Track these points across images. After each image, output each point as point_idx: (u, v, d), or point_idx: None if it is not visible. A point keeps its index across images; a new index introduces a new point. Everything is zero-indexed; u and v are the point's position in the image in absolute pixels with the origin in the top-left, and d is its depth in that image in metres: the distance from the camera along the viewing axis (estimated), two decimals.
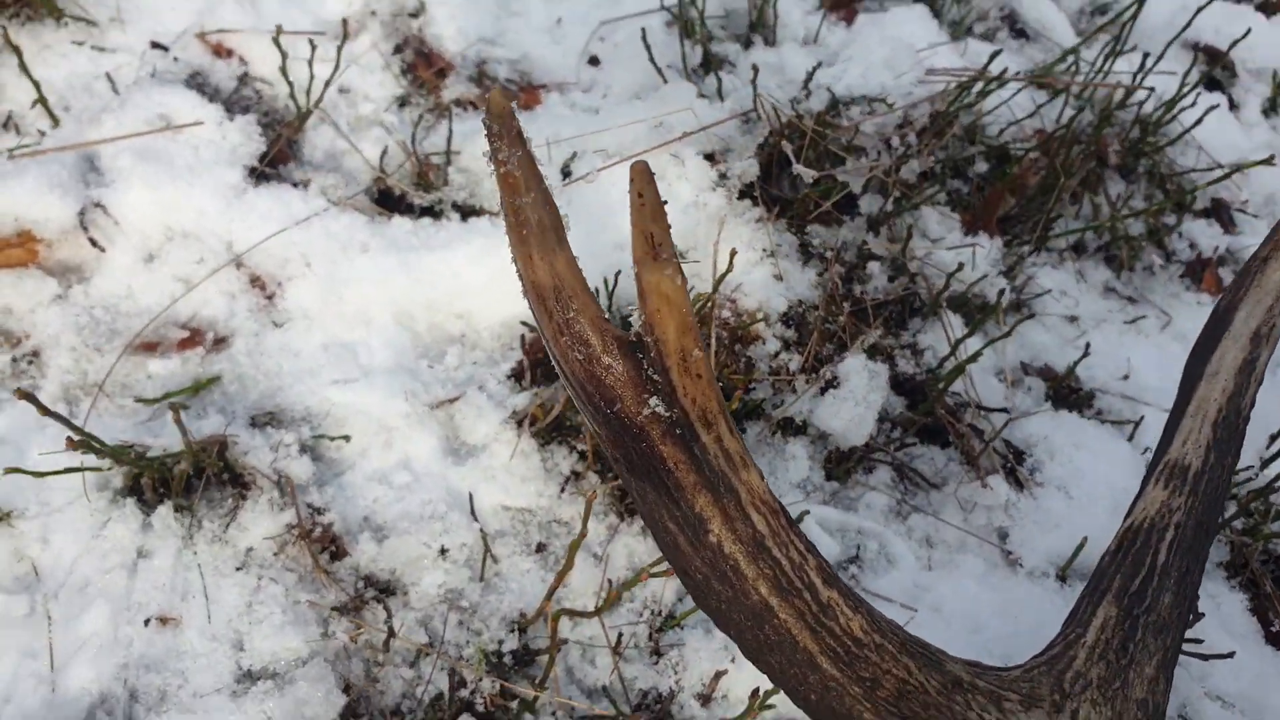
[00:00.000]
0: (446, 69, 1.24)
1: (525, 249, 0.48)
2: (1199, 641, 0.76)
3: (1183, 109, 1.17)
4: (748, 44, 1.26)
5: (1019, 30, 1.38)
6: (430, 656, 0.72)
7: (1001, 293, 0.98)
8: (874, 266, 0.99)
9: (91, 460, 0.75)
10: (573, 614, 0.72)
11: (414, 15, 1.28)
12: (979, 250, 1.00)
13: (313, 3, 1.25)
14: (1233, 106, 1.42)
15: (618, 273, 0.90)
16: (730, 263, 0.80)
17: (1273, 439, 0.93)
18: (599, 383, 0.48)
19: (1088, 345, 0.97)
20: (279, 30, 1.00)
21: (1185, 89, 1.14)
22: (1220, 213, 1.24)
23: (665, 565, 0.65)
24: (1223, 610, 0.87)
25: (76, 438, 0.68)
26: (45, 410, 0.64)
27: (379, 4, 1.27)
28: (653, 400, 0.48)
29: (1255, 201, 1.27)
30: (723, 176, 1.03)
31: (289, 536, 0.75)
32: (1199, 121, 1.14)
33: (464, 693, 0.71)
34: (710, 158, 1.05)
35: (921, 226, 1.03)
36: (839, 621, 0.52)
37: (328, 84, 1.10)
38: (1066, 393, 0.97)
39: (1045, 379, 0.98)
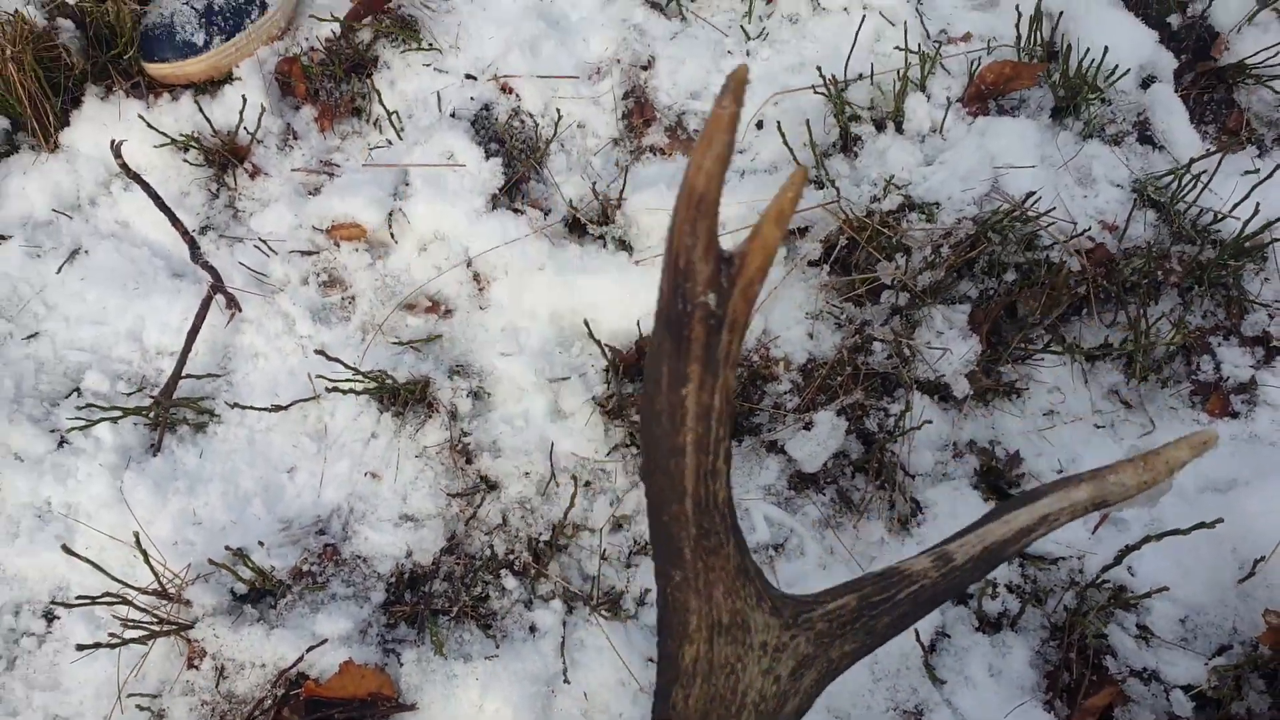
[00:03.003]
0: (651, 118, 1.71)
1: (700, 160, 0.62)
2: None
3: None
4: (881, 127, 1.60)
5: (1147, 137, 1.57)
6: (498, 530, 1.32)
7: (967, 388, 1.33)
8: (877, 345, 1.38)
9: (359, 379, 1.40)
10: (578, 528, 1.27)
11: (645, 68, 1.76)
12: (962, 349, 1.34)
13: (579, 49, 1.77)
14: None
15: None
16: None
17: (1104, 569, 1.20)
18: (689, 265, 0.64)
19: (1017, 453, 1.29)
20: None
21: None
22: (1264, 344, 1.42)
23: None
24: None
25: (360, 369, 1.33)
26: (330, 357, 1.29)
27: (624, 53, 1.76)
28: (711, 295, 0.65)
29: None
30: (790, 250, 1.45)
31: (446, 446, 1.37)
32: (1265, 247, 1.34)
33: (510, 557, 1.30)
34: (790, 233, 1.47)
35: (930, 321, 1.38)
36: (716, 484, 0.72)
37: (556, 126, 1.64)
38: (991, 473, 1.32)
39: (979, 457, 1.33)
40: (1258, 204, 1.38)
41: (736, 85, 0.61)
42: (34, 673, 1.21)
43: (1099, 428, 1.36)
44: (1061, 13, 1.61)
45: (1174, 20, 1.66)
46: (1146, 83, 1.59)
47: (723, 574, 0.76)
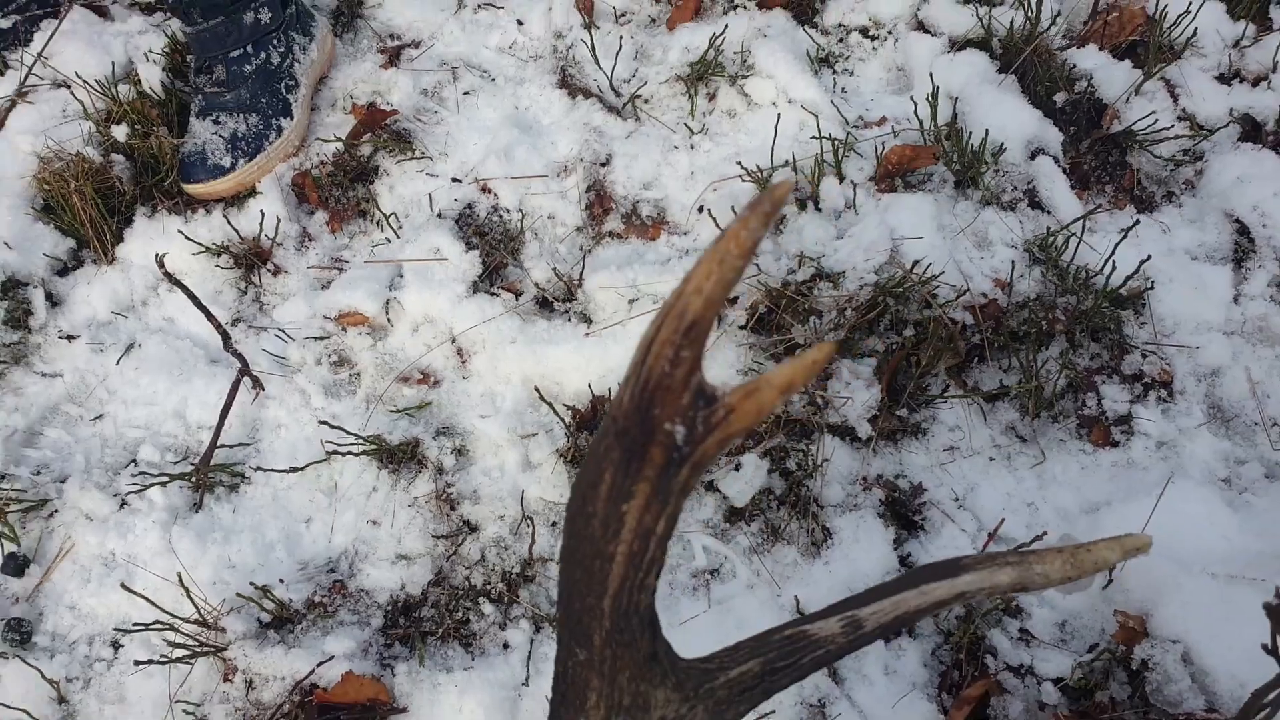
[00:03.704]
0: (609, 208, 2.00)
1: (700, 282, 0.57)
2: None
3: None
4: (803, 207, 1.87)
5: (1036, 202, 1.82)
6: (477, 565, 1.58)
7: (873, 428, 1.57)
8: (795, 396, 1.63)
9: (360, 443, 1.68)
10: (545, 561, 1.53)
11: (603, 164, 2.05)
12: (865, 397, 1.59)
13: (548, 150, 2.06)
14: (1239, 279, 1.73)
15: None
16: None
17: None
18: (661, 391, 0.60)
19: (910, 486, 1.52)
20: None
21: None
22: (1139, 380, 1.63)
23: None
24: None
25: (362, 435, 1.62)
26: (334, 426, 1.58)
27: (587, 152, 2.05)
28: (680, 428, 0.61)
29: (1187, 383, 1.63)
30: (721, 318, 1.71)
31: (434, 496, 1.64)
32: (1141, 294, 1.58)
33: (487, 587, 1.56)
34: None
35: (839, 374, 1.63)
36: (641, 595, 0.70)
37: (522, 221, 1.93)
38: (895, 503, 1.55)
39: (884, 489, 1.56)
40: (1140, 260, 1.60)
41: (773, 204, 0.54)
42: (104, 690, 1.49)
43: (992, 460, 1.58)
44: (956, 98, 1.88)
45: (1060, 98, 1.91)
46: (1035, 154, 1.83)
47: (631, 663, 0.75)
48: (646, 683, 0.77)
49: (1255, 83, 1.90)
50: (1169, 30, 1.95)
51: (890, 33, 2.12)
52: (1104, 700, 1.32)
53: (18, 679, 1.49)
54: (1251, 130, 1.85)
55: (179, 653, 1.43)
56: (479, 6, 2.33)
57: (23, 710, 1.43)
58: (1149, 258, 1.58)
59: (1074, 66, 1.95)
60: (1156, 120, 1.84)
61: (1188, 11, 1.92)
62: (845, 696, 1.37)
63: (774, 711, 1.36)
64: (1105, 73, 1.94)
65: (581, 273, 1.84)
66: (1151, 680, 1.27)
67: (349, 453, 1.64)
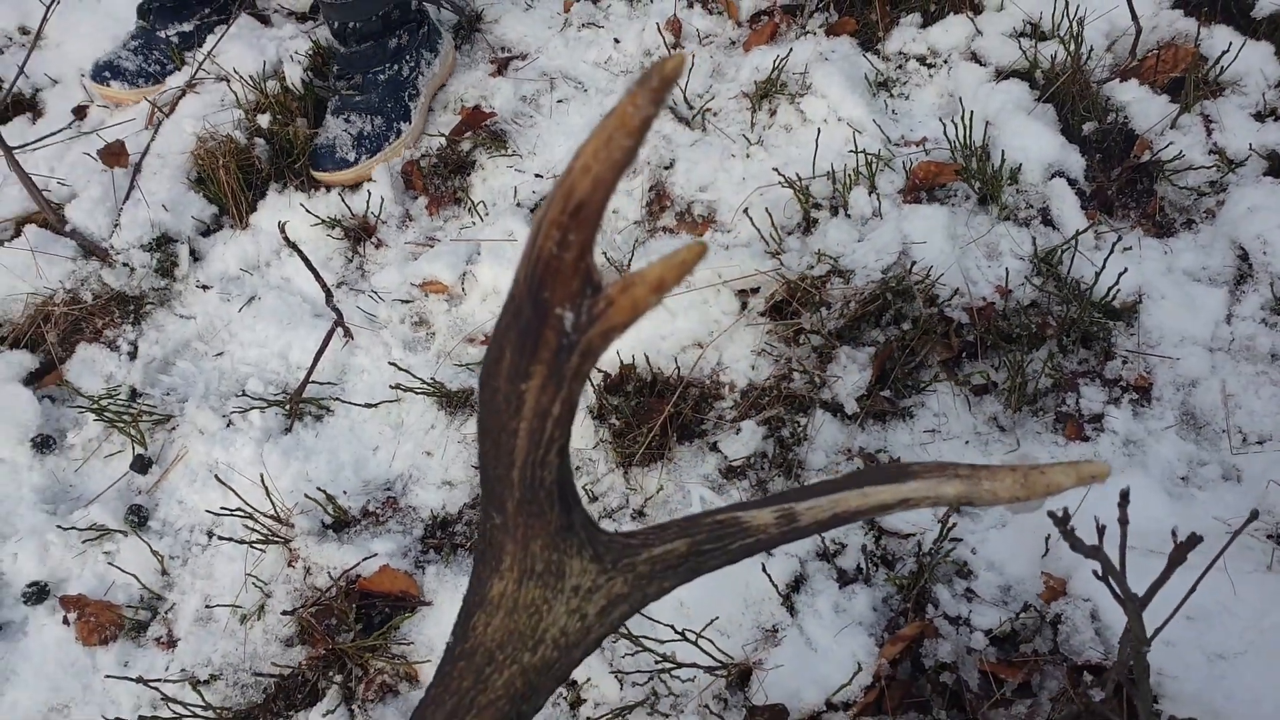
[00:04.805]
0: (667, 205, 2.27)
1: (589, 160, 0.57)
2: None
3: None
4: (835, 212, 2.09)
5: (1049, 220, 1.98)
6: None
7: (860, 405, 1.78)
8: (797, 375, 1.85)
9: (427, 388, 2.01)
10: None
11: (667, 167, 2.33)
12: (855, 379, 1.80)
13: None
14: (1234, 301, 1.85)
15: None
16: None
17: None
18: (550, 274, 0.61)
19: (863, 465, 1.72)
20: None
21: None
22: (1116, 384, 1.78)
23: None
24: None
25: (427, 380, 1.94)
26: (401, 368, 1.91)
27: (655, 156, 2.34)
28: (569, 314, 0.63)
29: (1165, 391, 1.76)
30: (743, 307, 1.96)
31: None
32: (1134, 307, 1.74)
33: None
34: (741, 293, 1.97)
35: (839, 358, 1.85)
36: (544, 472, 0.73)
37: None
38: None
39: (863, 459, 1.76)
40: (1119, 273, 1.77)
41: (661, 81, 0.53)
42: (197, 567, 1.85)
43: (968, 444, 1.77)
44: (988, 122, 2.07)
45: (1088, 127, 2.07)
46: (1053, 176, 2.01)
47: (543, 532, 0.77)
48: (559, 552, 0.78)
49: None
50: (1211, 68, 2.09)
51: (945, 61, 2.33)
52: (1028, 651, 1.49)
53: (133, 553, 1.86)
54: (1276, 166, 1.97)
55: (255, 538, 1.77)
56: (583, 25, 2.66)
57: (133, 574, 1.80)
58: (1125, 270, 1.74)
59: (1109, 99, 2.11)
60: (1182, 153, 1.99)
61: (1228, 50, 2.06)
62: (796, 626, 1.59)
63: (730, 636, 1.59)
64: (1142, 105, 2.09)
65: (630, 259, 2.12)
66: (1062, 632, 1.44)
67: (415, 393, 1.97)
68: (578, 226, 0.60)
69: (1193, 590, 1.12)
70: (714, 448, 1.84)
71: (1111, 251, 1.76)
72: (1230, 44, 2.03)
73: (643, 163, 2.30)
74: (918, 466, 0.79)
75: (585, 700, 1.59)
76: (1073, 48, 2.11)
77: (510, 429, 0.70)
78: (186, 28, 2.62)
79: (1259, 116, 2.06)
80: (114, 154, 2.35)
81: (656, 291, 0.62)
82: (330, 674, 1.64)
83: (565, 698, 1.60)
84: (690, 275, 0.64)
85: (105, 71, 2.50)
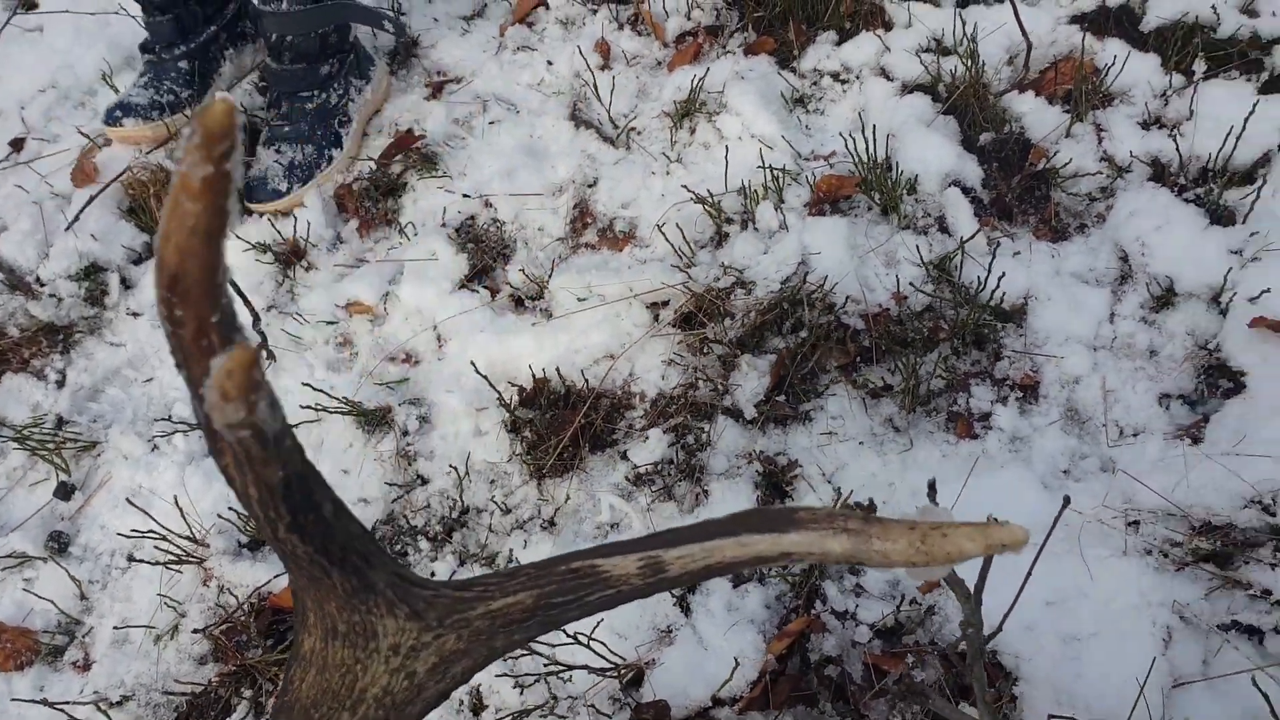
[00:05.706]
0: (589, 222, 2.35)
1: (165, 229, 0.53)
2: None
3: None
4: (744, 226, 2.17)
5: (945, 227, 2.07)
6: (422, 510, 1.93)
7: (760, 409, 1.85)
8: (702, 383, 1.93)
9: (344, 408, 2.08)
10: (479, 510, 1.87)
11: (591, 185, 2.41)
12: (755, 386, 1.87)
13: (549, 173, 2.45)
14: (1115, 300, 1.93)
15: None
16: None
17: None
18: (178, 351, 0.59)
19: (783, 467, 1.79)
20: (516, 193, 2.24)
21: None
22: (1004, 384, 1.86)
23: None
24: None
25: (342, 400, 2.01)
26: (319, 390, 1.98)
27: (579, 174, 2.43)
28: (207, 394, 0.56)
29: (1051, 389, 1.84)
30: (655, 319, 2.04)
31: (395, 453, 2.01)
32: (1023, 309, 1.83)
33: (427, 529, 1.91)
34: (653, 305, 2.05)
35: (740, 367, 1.92)
36: (296, 543, 0.66)
37: (514, 229, 2.31)
38: (770, 475, 1.82)
39: (762, 463, 1.84)
40: (998, 277, 1.86)
41: (205, 135, 0.48)
42: (116, 591, 1.91)
43: (863, 444, 1.84)
44: (891, 135, 2.16)
45: (985, 137, 2.16)
46: (949, 185, 2.10)
47: (332, 595, 0.72)
48: (361, 614, 0.73)
49: (1171, 129, 2.11)
50: (1103, 79, 2.18)
51: (857, 77, 2.42)
52: (910, 643, 1.56)
53: (52, 579, 1.92)
54: (1158, 172, 2.06)
55: (169, 559, 1.83)
56: (518, 49, 2.75)
57: (50, 600, 1.86)
58: (1004, 274, 1.82)
59: (1006, 110, 2.21)
60: (1072, 161, 2.08)
61: (1112, 64, 2.15)
62: (690, 625, 1.65)
63: (626, 637, 1.65)
64: (1038, 115, 2.19)
65: (550, 275, 2.20)
66: (934, 622, 1.51)
67: (332, 413, 2.04)
68: (182, 301, 0.56)
69: (1028, 577, 1.19)
70: (624, 456, 1.91)
71: (994, 256, 1.84)
72: (1114, 57, 2.12)
73: (568, 181, 2.38)
74: (804, 513, 0.71)
75: (487, 706, 1.65)
76: (970, 62, 2.20)
77: (243, 499, 0.65)
78: (193, 46, 2.52)
79: (1145, 125, 2.15)
80: (85, 174, 2.44)
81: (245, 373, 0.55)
82: (241, 689, 1.70)
83: (466, 704, 1.66)
84: None
85: (117, 111, 2.42)
